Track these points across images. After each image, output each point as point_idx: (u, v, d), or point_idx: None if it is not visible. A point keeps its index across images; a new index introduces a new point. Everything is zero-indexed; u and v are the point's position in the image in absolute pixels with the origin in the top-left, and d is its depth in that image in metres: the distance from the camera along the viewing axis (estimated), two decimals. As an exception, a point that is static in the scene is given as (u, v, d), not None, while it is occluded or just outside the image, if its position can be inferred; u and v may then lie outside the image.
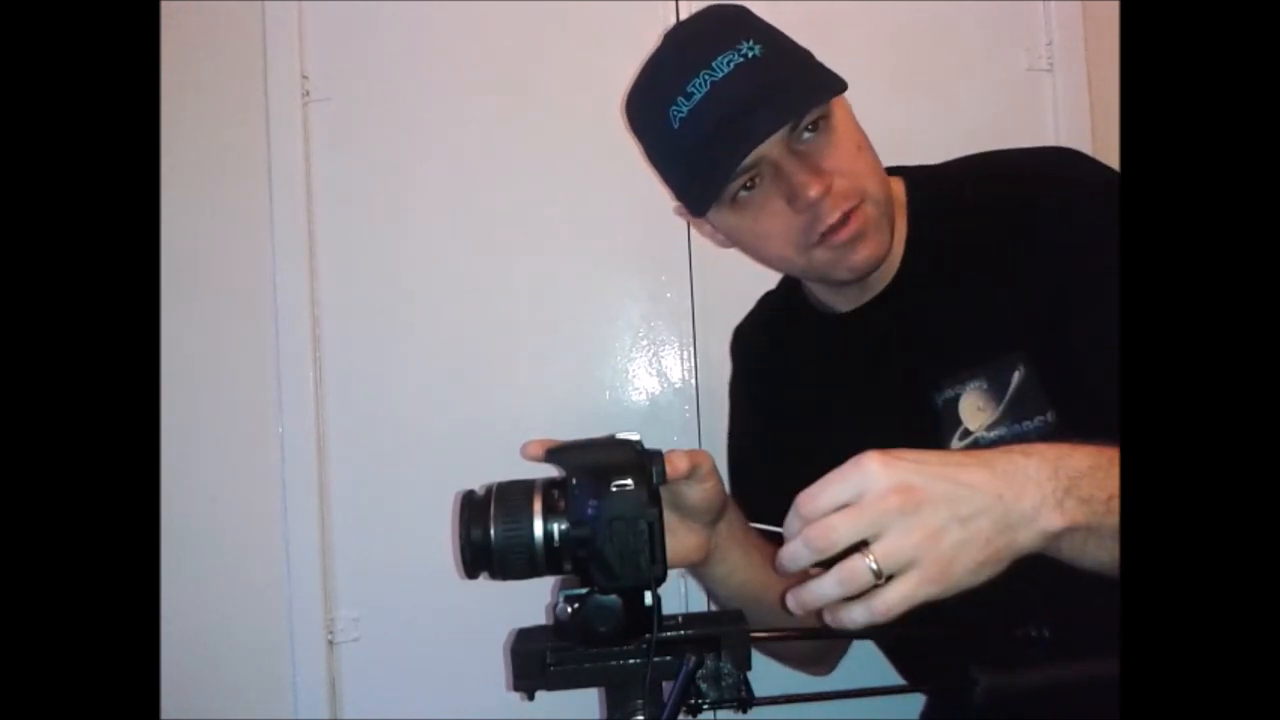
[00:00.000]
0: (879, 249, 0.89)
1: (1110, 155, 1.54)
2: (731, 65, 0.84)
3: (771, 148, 0.85)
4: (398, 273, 1.48)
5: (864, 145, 0.90)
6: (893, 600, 0.62)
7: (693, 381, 1.48)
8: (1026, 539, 0.64)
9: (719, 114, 0.84)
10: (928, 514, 0.62)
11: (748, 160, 0.85)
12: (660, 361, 1.49)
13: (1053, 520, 0.64)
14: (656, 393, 1.49)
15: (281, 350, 1.46)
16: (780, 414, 1.08)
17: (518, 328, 1.48)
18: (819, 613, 0.68)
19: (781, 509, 0.99)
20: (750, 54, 0.85)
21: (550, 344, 1.48)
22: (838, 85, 0.88)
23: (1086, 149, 1.51)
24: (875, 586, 0.62)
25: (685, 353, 1.49)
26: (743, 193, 0.88)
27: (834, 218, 0.86)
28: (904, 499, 0.62)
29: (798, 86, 0.86)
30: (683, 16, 1.45)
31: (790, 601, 0.66)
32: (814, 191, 0.84)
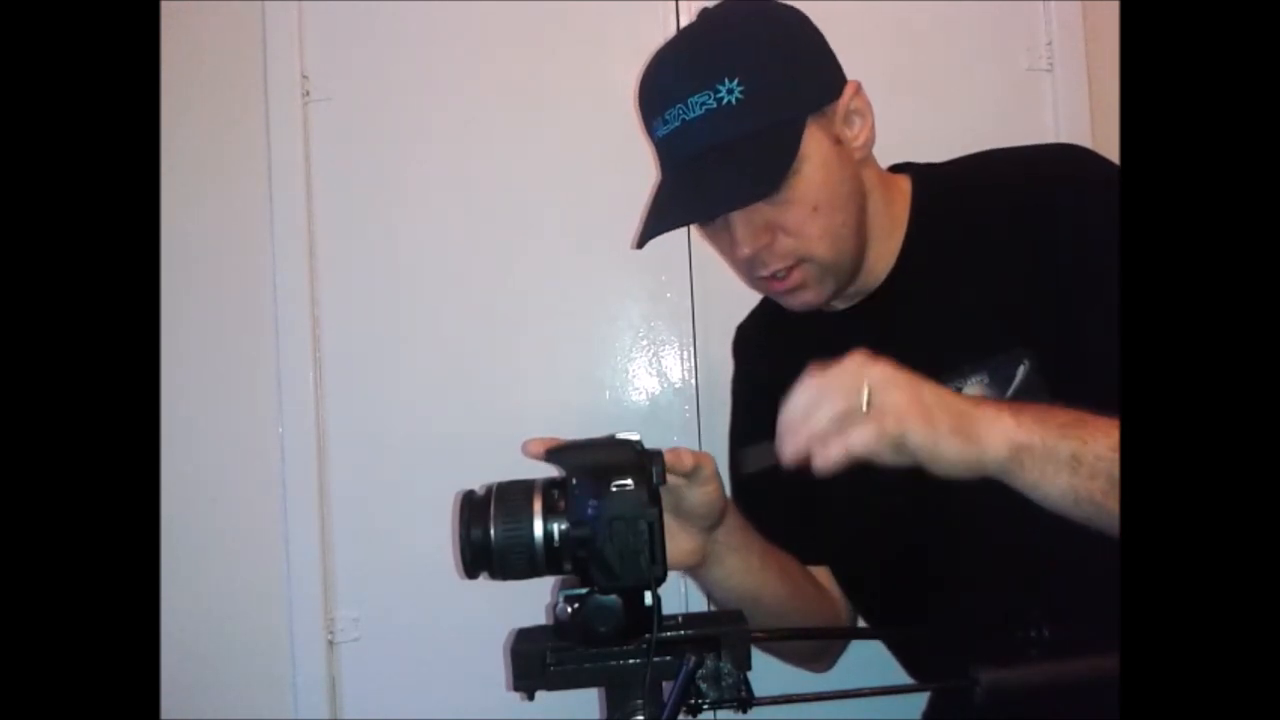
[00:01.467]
0: (818, 299, 0.93)
1: (1110, 155, 1.54)
2: (703, 109, 0.87)
3: None
4: (398, 273, 1.48)
5: (824, 206, 0.89)
6: (887, 421, 0.70)
7: (693, 381, 1.48)
8: (990, 440, 0.72)
9: (677, 162, 0.90)
10: (904, 379, 0.73)
11: None
12: (660, 361, 1.49)
13: (1010, 428, 0.72)
14: (656, 393, 1.49)
15: (281, 350, 1.46)
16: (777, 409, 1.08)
17: (518, 328, 1.48)
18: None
19: (782, 507, 0.99)
20: (726, 99, 0.86)
21: (550, 344, 1.48)
22: (788, 162, 0.86)
23: (1086, 149, 1.52)
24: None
25: (685, 353, 1.49)
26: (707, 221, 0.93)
27: (766, 272, 0.91)
28: (887, 368, 0.73)
29: (749, 165, 0.86)
30: (682, 18, 1.46)
31: (818, 461, 0.71)
32: (746, 251, 0.89)
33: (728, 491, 0.92)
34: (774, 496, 1.04)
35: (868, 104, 0.94)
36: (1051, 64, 1.54)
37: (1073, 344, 0.85)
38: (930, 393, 0.72)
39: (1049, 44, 1.54)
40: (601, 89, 1.45)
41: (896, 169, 1.01)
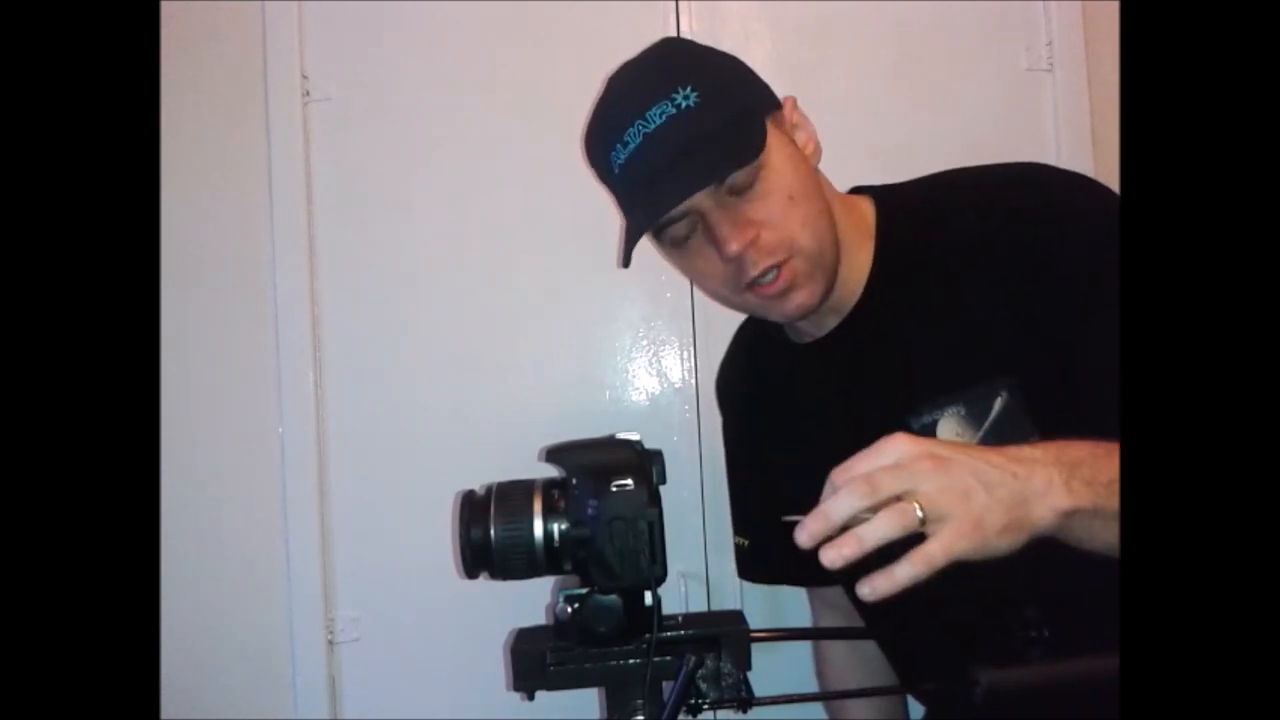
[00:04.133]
0: (811, 298, 0.91)
1: (1110, 155, 1.55)
2: (664, 117, 0.86)
3: (701, 200, 0.86)
4: (398, 273, 1.48)
5: (799, 194, 0.89)
6: (935, 552, 0.65)
7: (693, 381, 1.48)
8: (1040, 515, 0.67)
9: (647, 167, 0.87)
10: (957, 476, 0.66)
11: (678, 210, 0.87)
12: (660, 361, 1.49)
13: (1062, 499, 0.68)
14: (656, 393, 1.49)
15: (281, 350, 1.46)
16: (767, 451, 1.09)
17: (518, 328, 1.48)
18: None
19: (785, 554, 0.99)
20: (684, 104, 0.86)
21: (550, 344, 1.48)
22: (759, 139, 0.86)
23: (1086, 149, 1.52)
24: (912, 541, 0.65)
25: (685, 353, 1.49)
26: (681, 237, 0.91)
27: (758, 271, 0.88)
28: (935, 463, 0.67)
29: (720, 145, 0.85)
30: (683, 18, 1.46)
31: (830, 555, 0.66)
32: (734, 247, 0.86)
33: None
34: (779, 529, 1.05)
35: (805, 118, 0.95)
36: (1051, 64, 1.53)
37: (1050, 365, 0.84)
38: (981, 490, 0.66)
39: (1049, 44, 1.54)
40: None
41: (855, 192, 1.00)
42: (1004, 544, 0.67)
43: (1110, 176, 0.83)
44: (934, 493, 0.65)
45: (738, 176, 0.86)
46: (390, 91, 1.48)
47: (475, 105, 1.48)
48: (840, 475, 0.67)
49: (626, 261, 0.90)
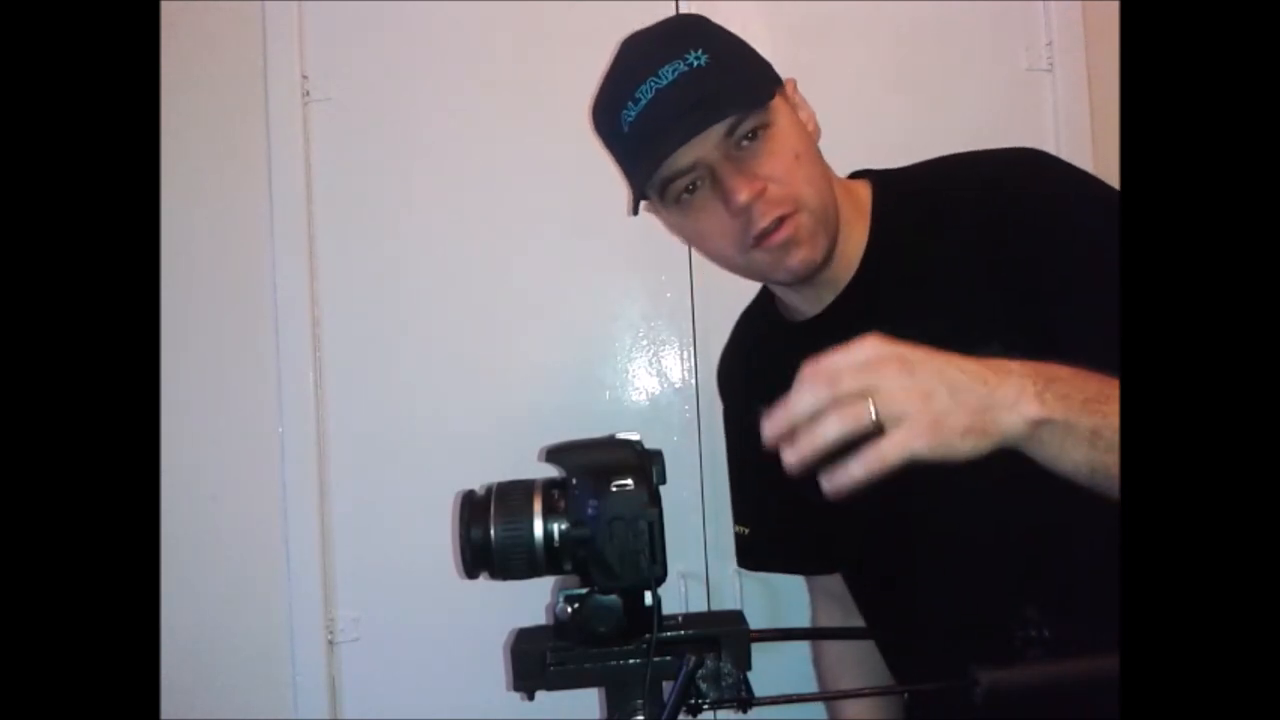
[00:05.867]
0: (814, 253, 0.92)
1: (1110, 155, 1.55)
2: (676, 74, 0.88)
3: (709, 152, 0.88)
4: (398, 273, 1.48)
5: (804, 154, 0.91)
6: (888, 449, 0.66)
7: (693, 381, 1.48)
8: (1009, 422, 0.69)
9: (659, 117, 0.88)
10: (921, 377, 0.68)
11: (685, 163, 0.88)
12: (660, 361, 1.49)
13: (1032, 408, 0.69)
14: (656, 393, 1.49)
15: (281, 350, 1.46)
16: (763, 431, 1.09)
17: (518, 327, 1.48)
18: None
19: (788, 522, 0.98)
20: (696, 63, 0.88)
21: (550, 344, 1.48)
22: (767, 93, 0.89)
23: (1086, 149, 1.52)
24: (870, 438, 0.66)
25: (685, 353, 1.49)
26: (685, 195, 0.91)
27: (765, 222, 0.89)
28: (900, 364, 0.68)
29: (730, 94, 0.87)
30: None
31: (790, 455, 0.68)
32: (743, 196, 0.87)
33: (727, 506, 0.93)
34: (778, 513, 1.05)
35: (805, 101, 0.97)
36: (1051, 64, 1.54)
37: (1039, 339, 0.85)
38: (944, 392, 0.68)
39: (1049, 44, 1.54)
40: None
41: (856, 176, 1.02)
42: (966, 446, 0.68)
43: (1110, 176, 0.83)
44: (895, 391, 0.67)
45: (745, 126, 0.87)
46: (390, 91, 1.49)
47: (475, 105, 1.49)
48: (808, 369, 0.69)
49: (635, 209, 0.93)
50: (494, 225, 1.48)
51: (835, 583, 1.13)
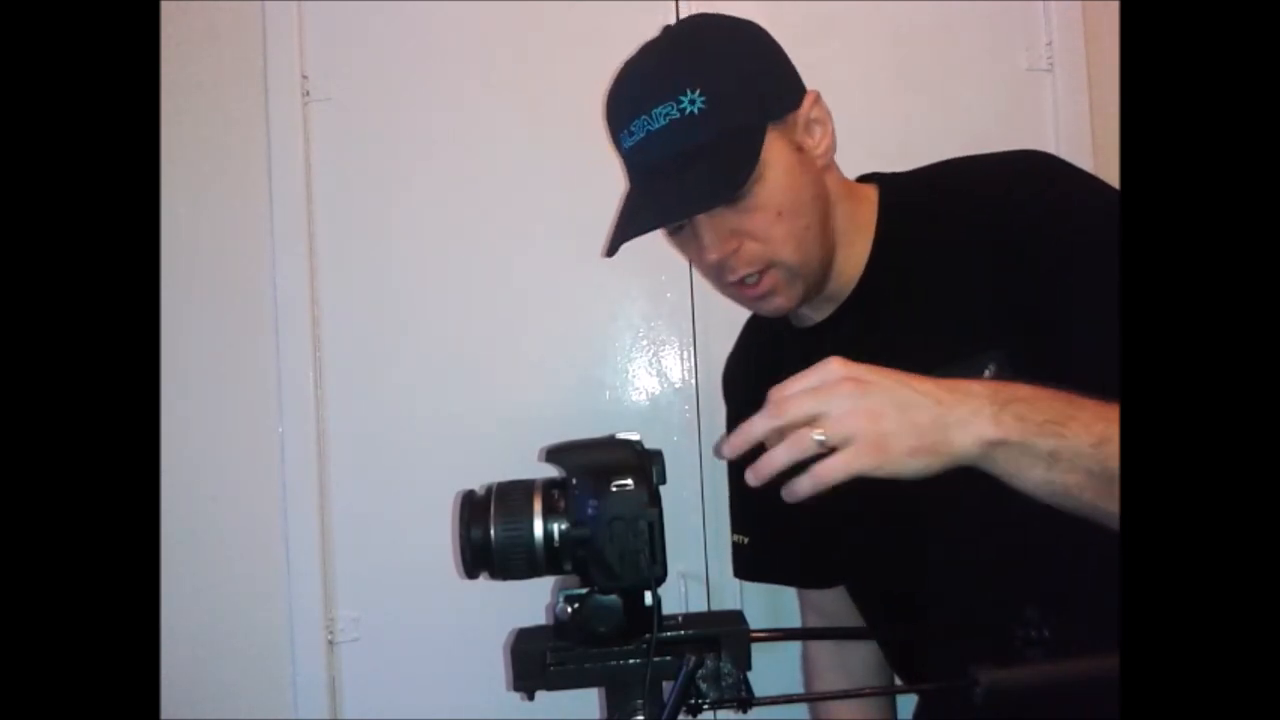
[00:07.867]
0: (789, 302, 0.94)
1: (1110, 155, 1.55)
2: (667, 119, 0.88)
3: None
4: (398, 273, 1.48)
5: (788, 211, 0.90)
6: (832, 466, 0.70)
7: (693, 381, 1.48)
8: (961, 442, 0.71)
9: (646, 168, 0.92)
10: (872, 398, 0.71)
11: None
12: (660, 361, 1.49)
13: (986, 428, 0.70)
14: (656, 393, 1.49)
15: (281, 350, 1.46)
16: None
17: (518, 328, 1.48)
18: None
19: (789, 536, 0.99)
20: (690, 109, 0.88)
21: (550, 344, 1.48)
22: (750, 169, 0.87)
23: (1086, 149, 1.52)
24: (820, 458, 0.70)
25: (685, 353, 1.49)
26: (676, 226, 0.94)
27: (736, 277, 0.92)
28: (854, 386, 0.71)
29: (713, 163, 0.87)
30: (683, 17, 1.46)
31: (749, 475, 0.73)
32: (713, 256, 0.90)
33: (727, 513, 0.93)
34: (778, 521, 1.05)
35: (827, 113, 0.95)
36: (1051, 64, 1.54)
37: (1041, 346, 0.85)
38: (894, 412, 0.70)
39: (1049, 44, 1.54)
40: (601, 89, 1.45)
41: (863, 179, 1.02)
42: (915, 465, 0.70)
43: (1110, 176, 0.83)
44: (842, 415, 0.70)
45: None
46: (390, 91, 1.49)
47: (475, 105, 1.48)
48: (773, 393, 0.72)
49: (611, 251, 0.95)
50: (494, 225, 1.48)
51: (829, 600, 1.13)
